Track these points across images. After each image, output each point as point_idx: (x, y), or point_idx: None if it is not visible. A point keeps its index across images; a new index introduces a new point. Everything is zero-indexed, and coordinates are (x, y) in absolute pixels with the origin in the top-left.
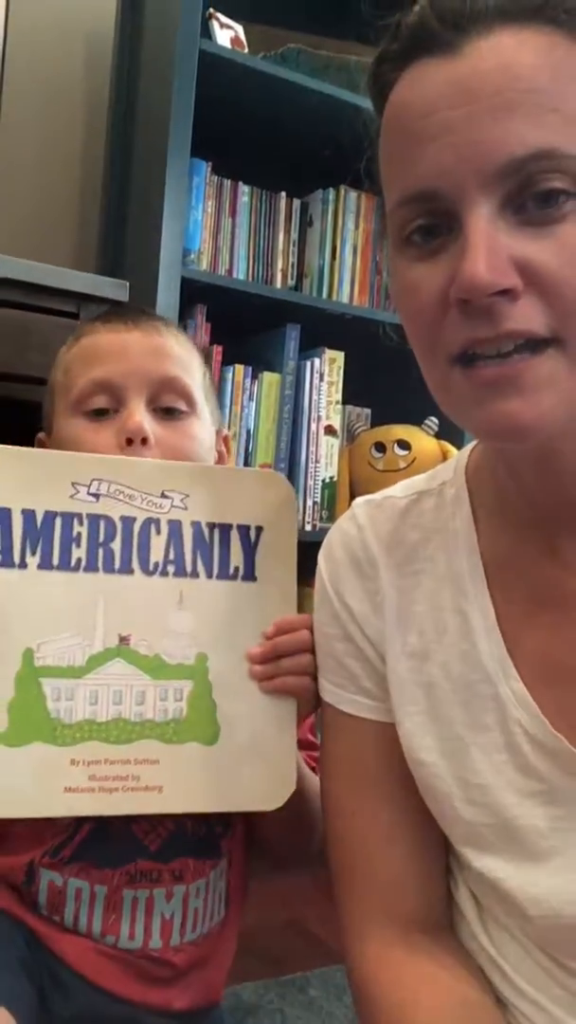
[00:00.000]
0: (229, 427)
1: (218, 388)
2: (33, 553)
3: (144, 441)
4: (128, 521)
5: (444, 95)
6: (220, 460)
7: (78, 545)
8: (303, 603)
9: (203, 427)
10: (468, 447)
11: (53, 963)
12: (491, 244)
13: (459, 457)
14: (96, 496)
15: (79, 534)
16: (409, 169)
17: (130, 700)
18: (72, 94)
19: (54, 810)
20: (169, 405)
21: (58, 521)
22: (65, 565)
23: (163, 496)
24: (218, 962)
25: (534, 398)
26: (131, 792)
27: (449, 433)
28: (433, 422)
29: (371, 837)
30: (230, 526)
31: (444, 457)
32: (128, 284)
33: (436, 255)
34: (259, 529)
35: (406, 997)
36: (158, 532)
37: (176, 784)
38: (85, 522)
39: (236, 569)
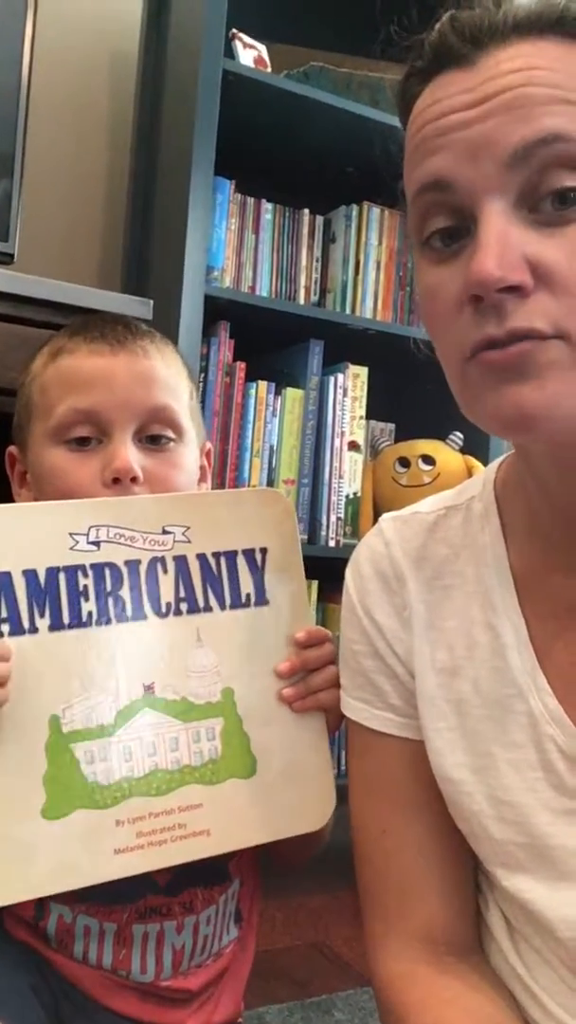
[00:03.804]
0: (252, 443)
1: (241, 404)
2: (42, 615)
3: (133, 480)
4: (133, 564)
5: (461, 100)
6: (203, 475)
7: (87, 599)
8: (329, 619)
9: (189, 453)
10: (496, 462)
11: (69, 988)
12: (503, 240)
13: (487, 472)
14: (96, 544)
15: (86, 587)
16: (426, 162)
17: (164, 749)
18: (97, 113)
19: (108, 874)
20: (156, 434)
21: (62, 577)
22: (77, 622)
23: (164, 532)
24: (232, 981)
25: (539, 382)
26: (180, 841)
27: (474, 448)
28: (458, 436)
29: (399, 856)
30: (235, 552)
31: (469, 472)
32: (152, 302)
33: (455, 258)
34: (264, 550)
35: (433, 1018)
36: (165, 571)
37: (222, 824)
38: (90, 573)
39: (248, 596)
